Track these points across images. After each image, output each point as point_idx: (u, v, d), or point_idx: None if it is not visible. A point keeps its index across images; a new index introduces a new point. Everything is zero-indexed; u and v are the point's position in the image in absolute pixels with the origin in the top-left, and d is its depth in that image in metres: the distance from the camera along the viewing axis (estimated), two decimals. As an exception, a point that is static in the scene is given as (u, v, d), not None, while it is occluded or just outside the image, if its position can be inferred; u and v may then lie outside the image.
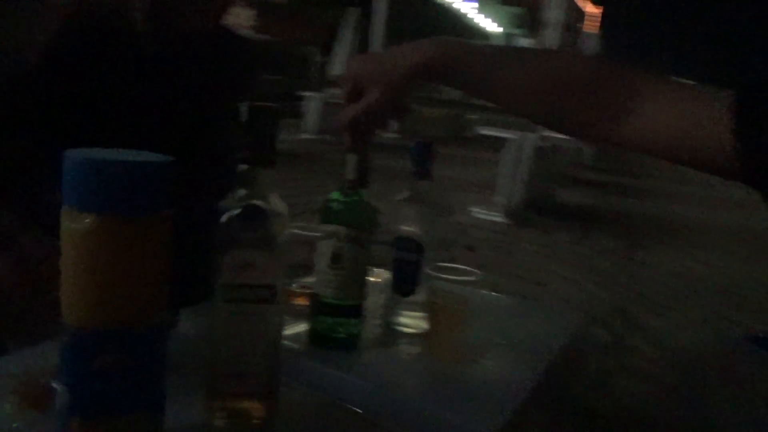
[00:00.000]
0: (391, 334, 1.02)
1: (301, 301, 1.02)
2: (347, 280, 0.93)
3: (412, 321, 1.02)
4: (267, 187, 0.66)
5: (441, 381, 0.92)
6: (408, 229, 1.02)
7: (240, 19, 14.00)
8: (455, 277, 0.95)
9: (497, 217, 5.21)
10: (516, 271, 3.86)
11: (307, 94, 10.60)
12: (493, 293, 1.41)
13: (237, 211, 0.63)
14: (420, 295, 1.01)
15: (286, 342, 0.97)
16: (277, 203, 0.67)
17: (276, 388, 0.72)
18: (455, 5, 22.74)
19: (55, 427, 0.57)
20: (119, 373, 0.56)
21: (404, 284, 1.02)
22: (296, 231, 1.08)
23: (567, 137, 2.49)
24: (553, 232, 5.15)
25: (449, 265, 0.98)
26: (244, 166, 0.64)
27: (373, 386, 0.86)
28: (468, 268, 0.97)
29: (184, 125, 1.26)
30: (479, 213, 5.35)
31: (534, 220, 5.34)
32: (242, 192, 0.64)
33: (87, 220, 0.51)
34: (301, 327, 0.98)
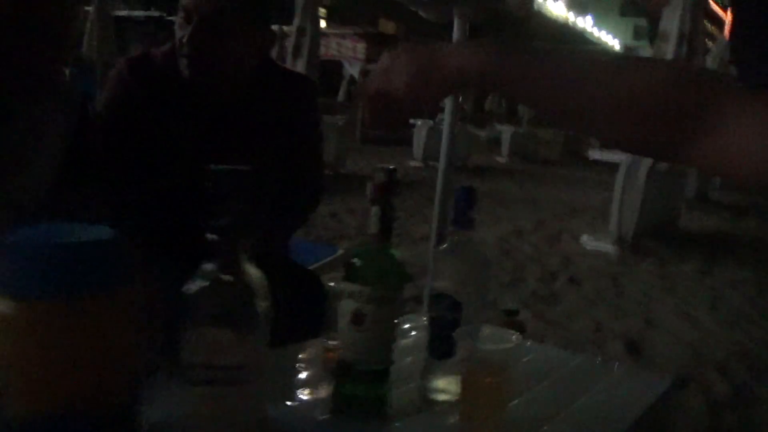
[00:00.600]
0: (425, 402, 0.93)
1: (335, 359, 0.95)
2: (371, 342, 0.86)
3: (448, 386, 0.92)
4: (242, 258, 0.61)
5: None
6: (444, 284, 0.93)
7: (352, 51, 14.46)
8: (489, 346, 0.84)
9: (607, 247, 4.86)
10: (624, 307, 3.55)
11: (416, 121, 10.61)
12: (564, 351, 1.27)
13: (202, 286, 0.58)
14: (458, 358, 0.91)
15: (307, 410, 0.92)
16: (253, 274, 0.61)
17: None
18: (570, 21, 22.15)
19: None
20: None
21: (440, 346, 0.93)
22: (332, 285, 1.02)
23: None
24: (674, 263, 4.72)
25: (487, 327, 0.88)
26: (212, 236, 0.59)
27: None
28: (510, 332, 0.86)
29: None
30: (589, 242, 5.03)
31: (652, 250, 4.93)
32: (209, 266, 0.59)
33: (12, 307, 0.48)
34: (330, 390, 0.91)
